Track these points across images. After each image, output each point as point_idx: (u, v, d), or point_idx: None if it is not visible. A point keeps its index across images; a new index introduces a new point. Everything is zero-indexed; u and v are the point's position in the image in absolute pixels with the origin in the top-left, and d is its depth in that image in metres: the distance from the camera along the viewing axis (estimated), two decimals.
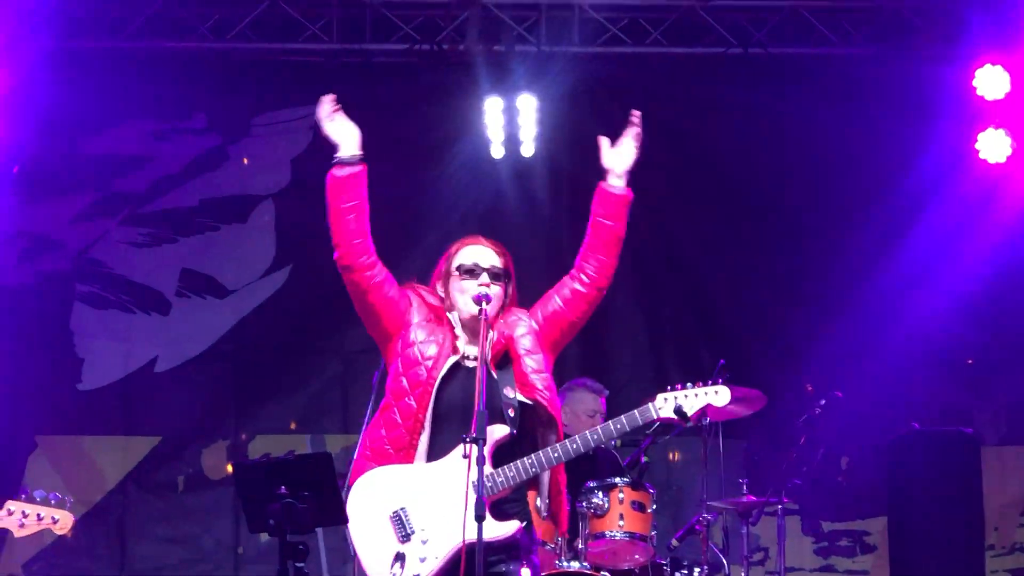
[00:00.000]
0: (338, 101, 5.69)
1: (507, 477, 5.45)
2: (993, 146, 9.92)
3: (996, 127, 9.92)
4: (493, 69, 10.08)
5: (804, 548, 10.41)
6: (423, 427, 5.49)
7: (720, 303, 10.64)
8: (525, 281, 5.90)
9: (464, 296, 5.61)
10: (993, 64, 9.79)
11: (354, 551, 5.50)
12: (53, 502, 6.08)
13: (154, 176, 10.69)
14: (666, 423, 5.73)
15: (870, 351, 10.02)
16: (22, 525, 6.01)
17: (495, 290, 5.58)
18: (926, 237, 10.21)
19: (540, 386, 5.55)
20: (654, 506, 7.91)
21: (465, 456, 5.27)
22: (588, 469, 8.06)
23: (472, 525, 5.14)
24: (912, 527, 8.88)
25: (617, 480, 7.86)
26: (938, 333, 10.24)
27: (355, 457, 5.63)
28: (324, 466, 5.40)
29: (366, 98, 10.17)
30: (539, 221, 10.39)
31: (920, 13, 10.10)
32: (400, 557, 5.39)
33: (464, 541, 5.23)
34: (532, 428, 5.57)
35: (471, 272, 5.64)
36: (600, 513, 7.80)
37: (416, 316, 5.64)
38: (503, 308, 5.64)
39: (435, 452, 5.49)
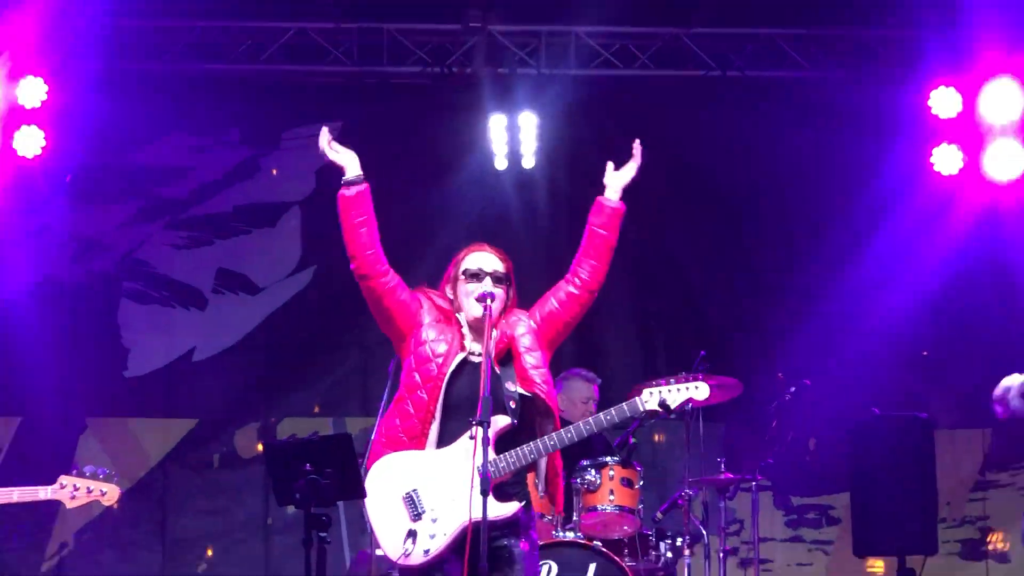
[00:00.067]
0: (346, 124, 5.70)
1: (508, 462, 5.43)
2: (946, 160, 9.88)
3: (949, 143, 9.87)
4: (497, 89, 10.04)
5: (776, 520, 10.40)
6: (434, 417, 5.47)
7: (702, 300, 10.62)
8: (525, 283, 5.88)
9: (469, 298, 5.60)
10: (946, 86, 9.77)
11: (370, 528, 5.50)
12: (101, 476, 6.07)
13: (193, 185, 10.68)
14: (651, 414, 5.72)
15: (836, 344, 10.00)
16: (73, 497, 6.01)
17: (498, 292, 5.57)
18: (887, 242, 10.18)
19: (538, 380, 5.53)
20: (641, 482, 7.89)
21: (472, 438, 5.27)
22: (581, 449, 7.99)
23: (477, 500, 5.15)
24: (872, 502, 8.85)
25: (608, 459, 7.84)
26: (897, 328, 10.20)
27: (371, 443, 5.64)
28: (345, 446, 5.41)
29: (383, 115, 10.23)
30: (538, 228, 10.36)
31: (881, 41, 10.10)
32: (412, 533, 5.37)
33: (470, 519, 5.23)
34: (531, 418, 5.55)
35: (476, 276, 5.62)
36: (592, 489, 7.79)
37: (427, 317, 5.62)
38: (505, 309, 5.63)
39: (444, 440, 5.48)
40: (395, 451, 5.50)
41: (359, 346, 10.33)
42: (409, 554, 5.37)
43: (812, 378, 8.64)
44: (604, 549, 7.51)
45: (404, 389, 5.55)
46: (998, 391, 6.07)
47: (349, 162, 5.65)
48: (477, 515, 5.16)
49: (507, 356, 5.58)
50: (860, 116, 10.01)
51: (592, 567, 7.44)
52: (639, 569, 7.67)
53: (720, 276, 10.60)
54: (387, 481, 5.47)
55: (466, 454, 5.34)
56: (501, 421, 5.40)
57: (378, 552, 5.64)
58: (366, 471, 5.51)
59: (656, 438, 10.22)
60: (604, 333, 10.41)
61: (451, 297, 5.69)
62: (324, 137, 5.68)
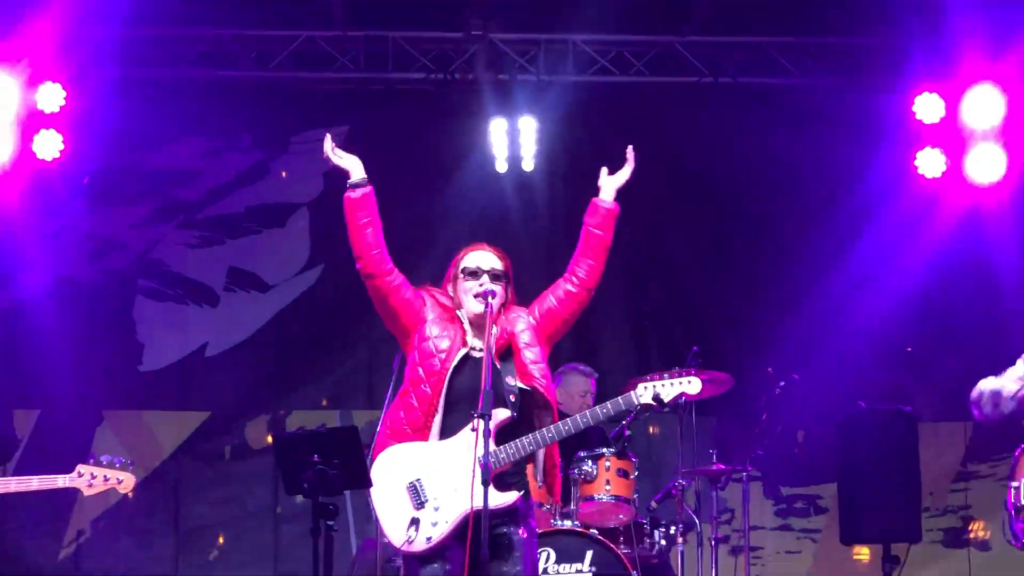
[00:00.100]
0: (353, 127, 5.74)
1: (508, 454, 5.45)
2: (930, 163, 9.86)
3: (932, 147, 9.86)
4: (498, 95, 10.03)
5: (766, 509, 10.39)
6: (437, 410, 5.49)
7: (695, 299, 10.61)
8: (524, 282, 5.90)
9: (468, 296, 5.62)
10: (930, 92, 9.77)
11: (376, 516, 5.52)
12: (118, 465, 6.06)
13: (206, 187, 10.67)
14: (646, 408, 5.73)
15: (824, 340, 9.99)
16: (91, 485, 6.00)
17: (496, 289, 5.58)
18: (873, 242, 10.17)
19: (537, 375, 5.55)
20: (636, 473, 7.90)
21: (473, 430, 5.28)
22: (579, 441, 8.02)
23: (479, 489, 5.17)
24: (859, 492, 8.86)
25: (604, 450, 7.84)
26: (882, 325, 10.20)
27: (377, 435, 5.65)
28: (351, 438, 5.44)
29: (388, 120, 10.23)
30: (538, 228, 10.36)
31: (868, 49, 10.08)
32: (415, 521, 5.39)
33: (471, 508, 5.25)
34: (530, 411, 5.57)
35: (474, 274, 5.64)
36: (589, 479, 7.79)
37: (430, 314, 5.64)
38: (504, 305, 5.64)
39: (447, 432, 5.49)
40: (399, 442, 5.52)
41: (365, 342, 10.32)
42: (412, 541, 5.38)
43: (801, 373, 8.66)
44: (600, 537, 7.52)
45: (408, 383, 5.57)
46: (974, 394, 6.06)
47: (353, 166, 5.69)
48: (478, 504, 5.18)
49: (507, 351, 5.60)
50: (847, 121, 10.02)
51: (589, 554, 7.44)
52: (634, 556, 7.65)
53: (712, 275, 10.59)
54: (391, 471, 5.48)
55: (468, 446, 5.35)
56: (501, 414, 5.42)
57: (384, 540, 5.64)
58: (371, 462, 5.52)
59: (651, 430, 10.22)
60: (601, 330, 10.41)
61: (452, 295, 5.70)
62: (328, 144, 5.71)
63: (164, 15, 9.75)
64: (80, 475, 5.98)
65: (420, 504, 5.43)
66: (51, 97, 9.51)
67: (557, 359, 8.21)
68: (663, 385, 5.64)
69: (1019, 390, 5.96)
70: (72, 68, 9.66)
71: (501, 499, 5.36)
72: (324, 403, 10.49)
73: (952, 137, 9.83)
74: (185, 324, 10.54)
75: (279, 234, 10.68)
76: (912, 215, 10.05)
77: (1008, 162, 9.76)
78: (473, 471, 5.21)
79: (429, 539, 5.38)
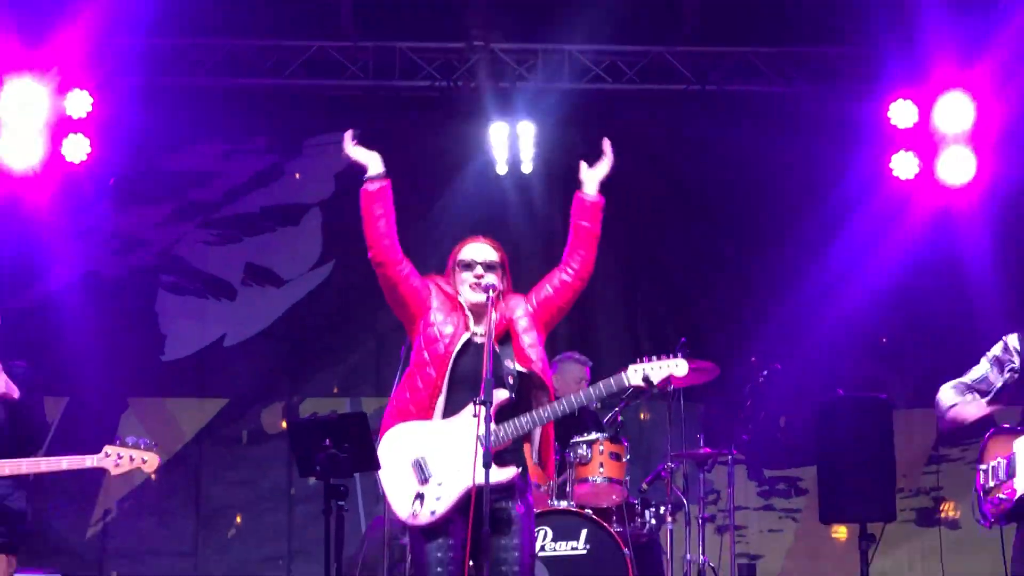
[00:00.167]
0: (364, 131, 5.73)
1: (507, 432, 5.44)
2: (904, 166, 9.87)
3: (906, 150, 9.89)
4: (498, 101, 10.05)
5: (749, 491, 10.39)
6: (441, 391, 5.47)
7: (683, 292, 10.62)
8: (523, 272, 5.90)
9: (464, 286, 5.62)
10: (904, 99, 9.77)
11: (382, 491, 5.51)
12: (143, 446, 6.02)
13: (224, 188, 10.67)
14: (637, 389, 5.72)
15: (804, 331, 9.97)
16: (117, 465, 5.96)
17: (491, 278, 5.58)
18: (850, 240, 10.16)
19: (534, 358, 5.54)
20: (628, 456, 7.89)
21: (475, 416, 5.27)
22: (574, 426, 8.02)
23: (480, 472, 5.15)
24: (837, 474, 8.82)
25: (598, 435, 7.84)
26: (859, 317, 10.19)
27: (384, 415, 5.65)
28: (360, 424, 5.41)
29: (395, 124, 10.21)
30: (535, 225, 10.34)
31: (846, 58, 10.08)
32: (420, 496, 5.38)
33: (473, 484, 5.24)
34: (528, 392, 5.55)
35: (468, 266, 5.63)
36: (584, 462, 7.78)
37: (435, 301, 5.62)
38: (501, 293, 5.63)
39: (450, 411, 5.48)
40: (405, 421, 5.50)
41: (373, 333, 10.32)
42: (417, 515, 5.37)
43: (783, 363, 8.64)
44: (595, 516, 7.52)
45: (414, 366, 5.55)
46: (937, 406, 6.03)
47: (371, 161, 5.67)
48: (480, 480, 5.16)
49: (506, 336, 5.59)
50: (826, 126, 10.01)
51: (584, 532, 7.45)
52: (626, 534, 7.66)
53: (699, 271, 10.60)
54: (397, 449, 5.47)
55: (469, 425, 5.34)
56: (500, 395, 5.40)
57: (391, 517, 5.63)
58: (378, 442, 5.51)
59: (642, 416, 10.21)
60: (596, 323, 10.40)
61: (452, 285, 5.70)
62: (349, 139, 5.69)
63: (185, 26, 9.78)
64: (107, 455, 5.94)
65: (424, 480, 5.42)
66: (79, 103, 9.54)
67: (555, 349, 8.20)
68: (651, 368, 5.63)
69: (977, 415, 5.93)
70: (99, 76, 9.69)
71: (500, 475, 5.34)
72: (335, 390, 10.48)
73: (925, 141, 9.84)
74: (205, 316, 10.53)
75: (293, 232, 10.68)
76: (887, 215, 10.05)
77: (977, 164, 9.76)
78: (475, 450, 5.20)
79: (433, 513, 5.37)
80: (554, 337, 5.98)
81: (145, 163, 10.36)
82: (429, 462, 5.43)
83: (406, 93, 10.22)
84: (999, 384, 5.85)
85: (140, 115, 9.83)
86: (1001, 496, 5.62)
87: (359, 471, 5.45)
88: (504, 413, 5.44)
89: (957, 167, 9.77)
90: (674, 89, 10.16)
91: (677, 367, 5.65)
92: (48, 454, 5.77)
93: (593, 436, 7.84)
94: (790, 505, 10.46)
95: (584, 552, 7.42)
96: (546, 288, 5.70)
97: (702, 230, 10.56)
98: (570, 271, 5.69)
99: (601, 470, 7.76)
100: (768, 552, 10.36)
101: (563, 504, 7.64)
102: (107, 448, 5.97)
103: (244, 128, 10.55)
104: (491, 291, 5.49)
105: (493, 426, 5.29)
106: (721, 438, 8.75)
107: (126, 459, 5.97)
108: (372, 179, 5.64)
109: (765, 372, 8.54)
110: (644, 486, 8.25)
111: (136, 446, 6.01)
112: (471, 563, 5.29)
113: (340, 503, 5.40)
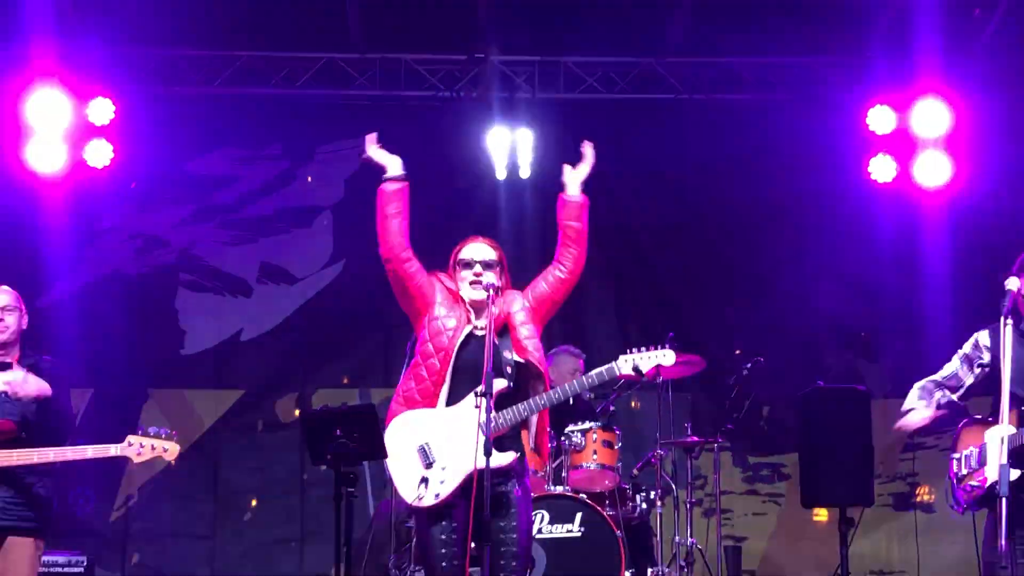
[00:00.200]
0: (379, 136, 5.80)
1: (506, 419, 5.50)
2: (881, 169, 9.89)
3: (884, 154, 9.93)
4: (498, 110, 10.08)
5: (735, 476, 10.40)
6: (444, 381, 5.52)
7: (671, 289, 10.60)
8: (520, 270, 5.95)
9: (464, 283, 5.67)
10: (882, 105, 9.81)
11: (389, 476, 5.57)
12: (163, 435, 6.02)
13: (240, 191, 10.68)
14: (627, 379, 5.77)
15: (786, 325, 9.99)
16: (139, 453, 5.95)
17: (489, 276, 5.64)
18: (830, 239, 10.22)
19: (531, 349, 5.60)
20: (620, 444, 7.95)
21: (476, 407, 5.34)
22: (569, 415, 8.09)
23: (482, 458, 5.21)
24: (817, 461, 8.83)
25: (591, 424, 7.89)
26: (839, 312, 10.25)
27: (390, 403, 5.70)
28: (369, 414, 5.49)
29: (401, 132, 10.17)
30: (532, 226, 10.31)
31: (826, 67, 10.13)
32: (424, 480, 5.42)
33: (475, 468, 5.30)
34: (525, 381, 5.61)
35: (468, 265, 5.69)
36: (578, 449, 7.84)
37: (439, 297, 5.68)
38: (500, 290, 5.68)
39: (452, 399, 5.53)
40: (410, 409, 5.55)
41: (381, 328, 10.30)
42: (422, 497, 5.41)
43: (766, 355, 8.68)
44: (589, 501, 7.56)
45: (419, 356, 5.60)
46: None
47: (391, 162, 5.74)
48: (481, 465, 5.22)
49: (504, 329, 5.65)
50: (808, 131, 10.01)
51: (579, 515, 7.50)
52: (618, 517, 7.67)
53: (686, 268, 10.58)
54: (403, 435, 5.51)
55: (471, 413, 5.41)
56: (499, 384, 5.47)
57: (398, 501, 5.67)
58: (385, 426, 5.56)
59: (633, 406, 10.20)
60: (589, 319, 10.39)
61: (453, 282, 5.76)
62: (371, 142, 5.76)
63: (202, 38, 9.82)
64: (130, 444, 5.93)
65: (429, 464, 5.46)
66: (102, 110, 9.57)
67: (551, 343, 8.24)
68: (641, 358, 5.71)
69: (918, 424, 5.99)
70: (121, 85, 9.72)
71: (500, 459, 5.39)
72: (345, 381, 10.48)
73: (902, 145, 9.86)
74: (222, 313, 10.55)
75: (305, 233, 10.69)
76: (866, 215, 10.08)
77: (953, 168, 9.80)
78: (477, 438, 5.25)
79: (437, 495, 5.41)
80: (549, 332, 6.03)
81: (165, 168, 10.36)
82: (433, 447, 5.47)
83: (411, 102, 10.25)
84: (969, 381, 5.86)
85: (160, 122, 9.87)
86: (973, 483, 5.64)
87: (367, 460, 5.50)
88: (503, 401, 5.50)
89: (933, 170, 9.81)
90: (663, 98, 10.16)
91: (664, 356, 5.73)
92: (74, 441, 5.80)
93: (587, 425, 7.88)
94: (773, 490, 10.48)
95: (579, 534, 7.46)
96: (541, 284, 5.77)
97: (689, 231, 10.57)
98: (563, 267, 5.76)
99: (595, 457, 7.82)
100: (752, 534, 10.37)
101: (559, 489, 7.68)
102: (130, 437, 5.97)
103: (259, 135, 10.55)
104: (490, 289, 5.55)
105: (493, 413, 5.35)
106: (708, 426, 8.82)
107: (148, 448, 5.98)
108: (392, 179, 5.69)
109: (749, 364, 8.59)
110: (635, 472, 8.29)
111: (157, 435, 6.02)
112: (472, 544, 5.35)
113: (350, 489, 5.46)
